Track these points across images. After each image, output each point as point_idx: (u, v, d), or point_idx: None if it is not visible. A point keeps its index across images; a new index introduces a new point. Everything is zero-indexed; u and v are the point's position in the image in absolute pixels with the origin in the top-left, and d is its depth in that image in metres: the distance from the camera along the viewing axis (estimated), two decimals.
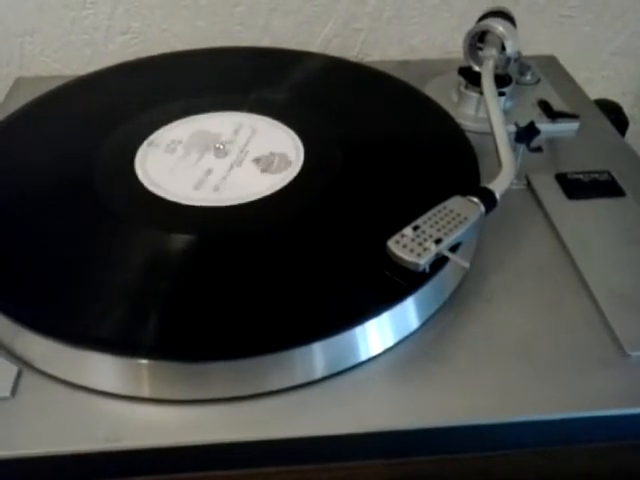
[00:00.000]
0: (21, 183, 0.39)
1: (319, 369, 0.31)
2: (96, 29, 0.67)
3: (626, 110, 0.75)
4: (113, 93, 0.48)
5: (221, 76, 0.50)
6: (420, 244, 0.31)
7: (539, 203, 0.41)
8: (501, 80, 0.48)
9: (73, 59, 0.68)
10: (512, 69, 0.52)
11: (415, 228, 0.32)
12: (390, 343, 0.32)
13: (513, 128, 0.41)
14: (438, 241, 0.31)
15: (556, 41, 0.71)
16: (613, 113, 0.62)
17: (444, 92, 0.51)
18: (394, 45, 0.71)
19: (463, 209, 0.33)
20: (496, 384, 0.31)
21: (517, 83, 0.52)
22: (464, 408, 0.30)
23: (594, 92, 0.63)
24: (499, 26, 0.46)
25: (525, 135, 0.40)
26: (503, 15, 0.48)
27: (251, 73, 0.50)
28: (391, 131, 0.43)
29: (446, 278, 0.35)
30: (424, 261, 0.30)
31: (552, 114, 0.48)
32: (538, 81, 0.53)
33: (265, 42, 0.68)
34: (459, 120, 0.48)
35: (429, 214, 0.33)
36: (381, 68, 0.53)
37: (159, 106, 0.45)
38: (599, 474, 0.34)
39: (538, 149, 0.41)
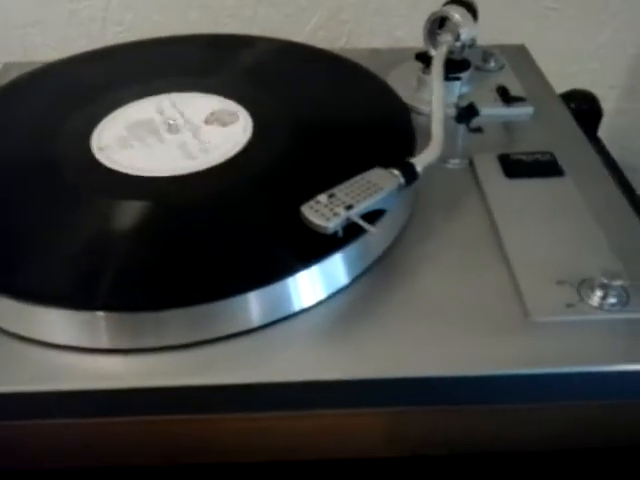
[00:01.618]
0: None
1: (256, 318, 0.34)
2: (92, 20, 0.71)
3: (615, 103, 0.76)
4: (76, 78, 0.51)
5: (164, 64, 0.52)
6: (331, 209, 0.33)
7: (478, 181, 0.43)
8: (459, 65, 0.50)
9: (71, 50, 0.71)
10: (476, 56, 0.53)
11: (330, 195, 0.34)
12: (320, 297, 0.35)
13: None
14: (349, 207, 0.33)
15: (542, 33, 0.72)
16: (586, 103, 0.62)
17: (406, 78, 0.52)
18: (380, 36, 0.73)
19: (381, 179, 0.35)
20: (412, 342, 0.33)
21: (480, 69, 0.54)
22: (380, 362, 0.32)
23: (580, 84, 0.64)
24: (455, 13, 0.48)
25: (464, 115, 0.42)
26: (464, 4, 0.50)
27: (204, 58, 0.53)
28: (332, 107, 0.45)
29: (372, 242, 0.37)
30: (332, 225, 0.32)
31: (507, 98, 0.49)
32: (502, 68, 0.54)
33: (253, 33, 0.70)
34: (416, 104, 0.50)
35: (347, 183, 0.35)
36: (354, 56, 0.55)
37: (120, 89, 0.48)
38: (503, 435, 0.35)
39: (478, 130, 0.43)
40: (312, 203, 0.33)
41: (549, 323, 0.34)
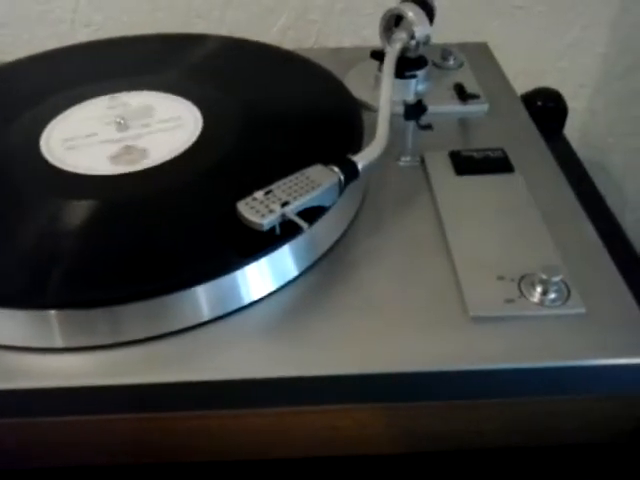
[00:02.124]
0: None
1: (205, 311, 0.34)
2: (61, 22, 0.71)
3: (584, 102, 0.76)
4: (33, 77, 0.51)
5: (114, 63, 0.53)
6: (267, 206, 0.33)
7: (428, 178, 0.43)
8: (415, 63, 0.50)
9: (41, 50, 0.71)
10: (435, 53, 0.54)
11: (267, 192, 0.34)
12: (267, 290, 0.35)
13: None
14: (285, 204, 0.33)
15: (509, 32, 0.72)
16: (552, 101, 0.63)
17: (365, 76, 0.52)
18: (348, 35, 0.73)
19: (320, 176, 0.35)
20: (351, 338, 0.33)
21: (438, 67, 0.54)
22: (319, 359, 0.32)
23: (548, 83, 0.64)
24: (409, 11, 0.48)
25: (412, 112, 0.42)
26: (420, 2, 0.50)
27: (143, 58, 0.53)
28: (281, 104, 0.45)
29: (318, 237, 0.37)
30: (267, 222, 0.32)
31: (463, 96, 0.49)
32: (461, 66, 0.54)
33: (222, 33, 0.70)
34: (373, 102, 0.50)
35: (285, 180, 0.35)
36: (316, 54, 0.55)
37: (73, 88, 0.48)
38: (439, 431, 0.35)
39: (428, 127, 0.42)
40: (248, 200, 0.33)
41: (488, 319, 0.34)
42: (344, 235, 0.39)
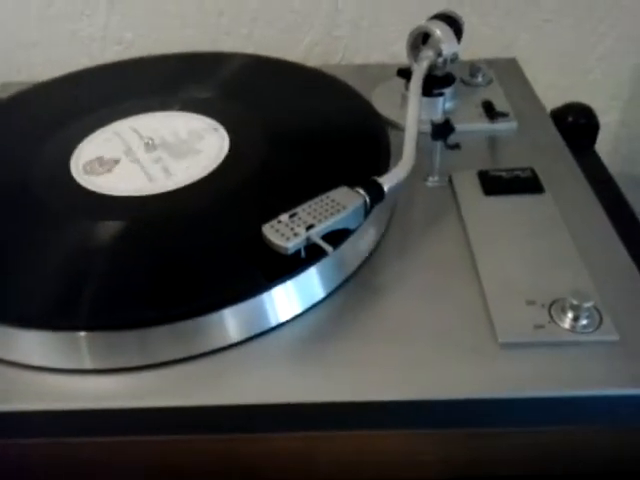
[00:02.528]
0: None
1: (233, 334, 0.34)
2: (92, 40, 0.72)
3: (617, 115, 0.74)
4: (60, 99, 0.52)
5: (139, 83, 0.53)
6: (292, 229, 0.33)
7: (456, 199, 0.42)
8: (442, 81, 0.49)
9: (73, 69, 0.73)
10: (463, 70, 0.53)
11: (292, 215, 0.34)
12: (294, 312, 0.35)
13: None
14: (310, 227, 0.33)
15: (538, 46, 0.71)
16: (583, 117, 0.61)
17: (392, 94, 0.52)
18: (376, 51, 0.72)
19: (345, 199, 0.35)
20: (378, 365, 0.33)
21: (466, 84, 0.53)
22: (346, 385, 0.32)
23: (579, 97, 0.63)
24: (437, 29, 0.48)
25: (440, 132, 0.41)
26: (448, 18, 0.49)
27: (185, 76, 0.53)
28: (307, 124, 0.45)
29: (344, 259, 0.36)
30: (292, 245, 0.32)
31: (492, 114, 0.48)
32: (490, 83, 0.53)
33: (249, 50, 0.71)
34: (400, 121, 0.49)
35: (310, 202, 0.34)
36: (343, 72, 0.55)
37: (101, 108, 0.49)
38: (465, 458, 0.34)
39: (456, 146, 0.42)
40: (273, 222, 0.33)
41: (518, 345, 0.33)
42: (371, 256, 0.38)
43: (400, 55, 0.72)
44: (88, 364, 0.33)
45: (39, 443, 0.34)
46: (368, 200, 0.35)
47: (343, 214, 0.34)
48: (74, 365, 0.33)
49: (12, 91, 0.57)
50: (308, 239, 0.33)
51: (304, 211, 0.34)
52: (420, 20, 0.70)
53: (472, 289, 0.36)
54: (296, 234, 0.32)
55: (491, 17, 0.69)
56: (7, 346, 0.34)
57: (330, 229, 0.33)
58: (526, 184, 0.42)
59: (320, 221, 0.33)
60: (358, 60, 0.73)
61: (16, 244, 0.38)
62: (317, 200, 0.35)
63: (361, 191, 0.35)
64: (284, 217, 0.33)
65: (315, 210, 0.34)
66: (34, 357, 0.34)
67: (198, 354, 0.33)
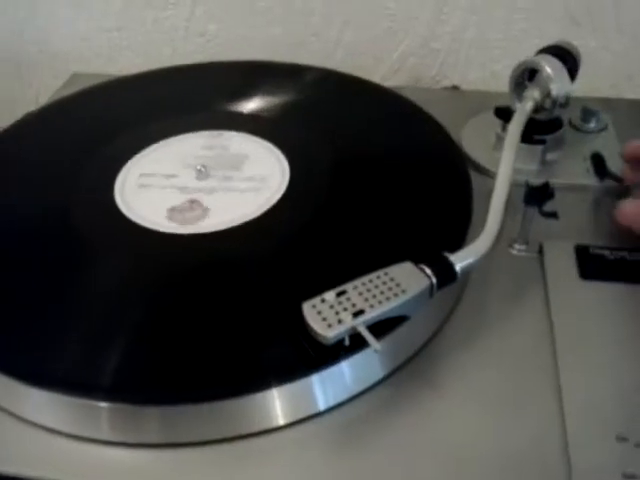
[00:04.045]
0: None
1: (278, 417, 0.29)
2: (176, 29, 0.69)
3: None
4: (107, 109, 0.48)
5: (203, 93, 0.49)
6: (337, 313, 0.27)
7: (545, 276, 0.35)
8: (547, 126, 0.42)
9: (154, 56, 0.70)
10: (574, 115, 0.45)
11: (340, 293, 0.28)
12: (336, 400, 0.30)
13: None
14: (359, 313, 0.27)
15: None
16: None
17: (484, 132, 0.45)
18: (475, 69, 0.65)
19: (406, 279, 0.29)
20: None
21: (575, 129, 0.45)
22: None
23: None
24: (547, 66, 0.40)
25: (535, 197, 0.34)
26: (562, 52, 0.42)
27: (248, 89, 0.48)
28: (380, 163, 0.39)
29: (394, 347, 0.31)
30: (334, 334, 0.27)
31: (601, 172, 0.41)
32: (604, 129, 0.45)
33: (338, 55, 0.66)
34: (491, 167, 0.43)
35: (364, 278, 0.29)
36: (432, 96, 0.49)
37: (151, 123, 0.45)
38: None
39: (552, 215, 0.35)
40: (316, 301, 0.28)
41: None
42: (433, 337, 0.33)
43: (501, 76, 0.64)
44: (106, 435, 0.29)
45: None
46: (435, 282, 0.29)
47: (402, 300, 0.28)
48: (90, 434, 0.30)
49: (80, 84, 0.54)
50: (353, 329, 0.27)
51: (355, 289, 0.28)
52: (529, 40, 0.62)
53: (550, 403, 0.30)
54: (340, 321, 0.27)
55: (613, 42, 0.60)
56: (18, 400, 0.30)
57: (383, 317, 0.28)
58: (636, 270, 0.35)
59: (372, 306, 0.28)
60: (454, 76, 0.66)
61: (42, 285, 0.34)
62: (372, 277, 0.29)
63: (427, 270, 0.29)
64: (330, 295, 0.28)
65: (368, 290, 0.28)
66: (49, 418, 0.30)
67: (221, 438, 0.29)
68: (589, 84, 0.49)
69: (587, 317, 0.33)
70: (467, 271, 0.31)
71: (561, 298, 0.34)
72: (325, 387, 0.30)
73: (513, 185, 0.35)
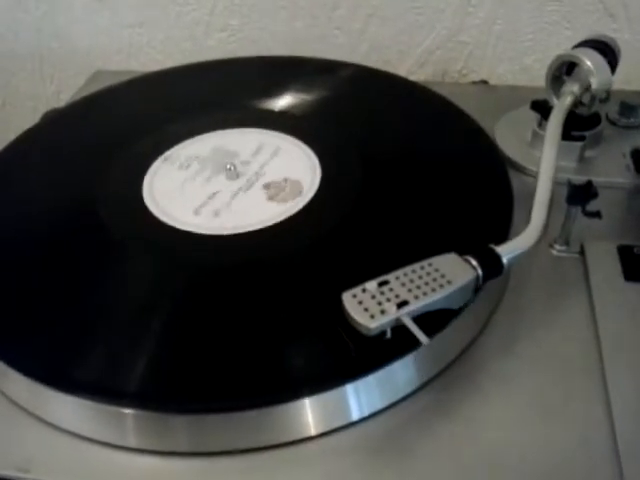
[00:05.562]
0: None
1: (310, 426, 0.28)
2: (197, 24, 0.68)
3: None
4: (135, 106, 0.47)
5: (245, 89, 0.47)
6: (380, 303, 0.26)
7: (587, 278, 0.34)
8: (586, 122, 0.41)
9: (175, 52, 0.69)
10: (611, 109, 0.44)
11: (382, 283, 0.27)
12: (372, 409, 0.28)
13: None
14: (403, 304, 0.26)
15: None
16: None
17: (520, 129, 0.44)
18: (504, 63, 0.64)
19: (452, 270, 0.28)
20: None
21: (614, 124, 0.44)
22: None
23: None
24: (587, 59, 0.39)
25: (578, 197, 0.33)
26: (601, 46, 0.41)
27: (279, 86, 0.47)
28: (415, 160, 0.38)
29: (437, 347, 0.29)
30: (376, 325, 0.26)
31: None
32: None
33: (362, 48, 0.65)
34: (527, 164, 0.41)
35: (407, 269, 0.28)
36: (461, 91, 0.47)
37: (181, 120, 0.44)
38: None
39: (595, 214, 0.33)
40: (357, 291, 0.27)
41: None
42: (472, 343, 0.31)
43: (532, 69, 0.63)
44: (133, 442, 0.28)
45: None
46: (481, 274, 0.28)
47: (447, 291, 0.27)
48: (117, 441, 0.28)
49: (103, 81, 0.53)
50: (397, 320, 0.26)
51: (397, 280, 0.27)
52: (559, 32, 0.61)
53: (597, 409, 0.28)
54: (383, 311, 0.26)
55: None
56: (46, 405, 0.29)
57: (427, 309, 0.27)
58: None
59: (417, 297, 0.26)
60: (482, 70, 0.64)
61: (72, 289, 0.33)
62: (416, 267, 0.28)
63: (473, 261, 0.28)
64: (371, 285, 0.27)
65: (412, 281, 0.27)
66: (74, 423, 0.29)
67: (252, 447, 0.28)
68: (625, 77, 0.47)
69: (634, 320, 0.31)
70: (512, 265, 0.29)
71: (606, 301, 0.32)
72: (359, 396, 0.28)
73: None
